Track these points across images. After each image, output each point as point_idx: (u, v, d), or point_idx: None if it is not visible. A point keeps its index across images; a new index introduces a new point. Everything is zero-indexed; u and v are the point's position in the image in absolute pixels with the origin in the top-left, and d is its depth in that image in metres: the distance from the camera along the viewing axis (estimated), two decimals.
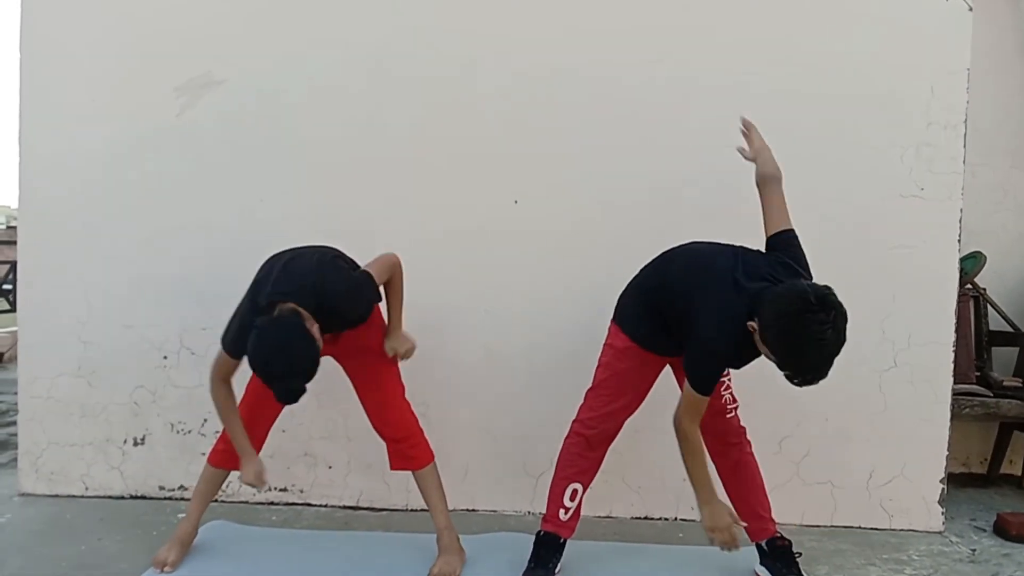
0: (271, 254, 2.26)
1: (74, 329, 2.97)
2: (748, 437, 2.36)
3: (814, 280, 2.06)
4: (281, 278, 2.08)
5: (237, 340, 2.09)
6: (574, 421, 2.35)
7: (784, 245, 2.15)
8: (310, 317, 2.02)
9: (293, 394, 1.98)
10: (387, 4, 2.92)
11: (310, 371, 1.97)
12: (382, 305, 2.35)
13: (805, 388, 2.84)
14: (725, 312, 1.99)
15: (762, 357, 2.00)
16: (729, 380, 2.32)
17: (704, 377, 2.06)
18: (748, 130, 2.34)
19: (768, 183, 2.26)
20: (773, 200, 2.24)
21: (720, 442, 2.33)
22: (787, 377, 1.95)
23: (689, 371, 2.08)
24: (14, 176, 2.97)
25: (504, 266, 2.91)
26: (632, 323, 2.27)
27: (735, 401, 2.33)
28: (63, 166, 2.95)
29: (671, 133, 2.88)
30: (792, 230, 2.18)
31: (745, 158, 2.32)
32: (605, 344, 2.34)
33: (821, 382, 1.93)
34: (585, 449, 2.31)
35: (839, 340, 1.85)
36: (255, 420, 2.33)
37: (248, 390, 2.34)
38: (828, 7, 2.86)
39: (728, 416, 2.31)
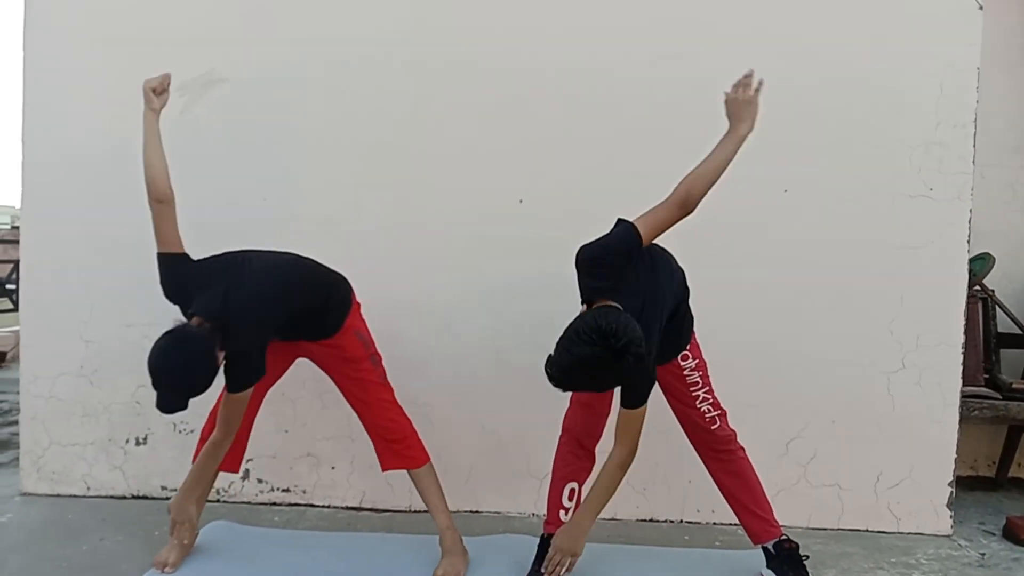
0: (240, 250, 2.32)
1: (76, 328, 2.96)
2: (740, 442, 2.34)
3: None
4: (209, 297, 2.07)
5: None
6: (563, 420, 2.36)
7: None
8: (219, 342, 2.00)
9: (171, 409, 1.96)
10: (391, 1, 2.91)
11: (197, 394, 1.96)
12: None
13: (802, 388, 2.86)
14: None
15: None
16: (706, 392, 2.29)
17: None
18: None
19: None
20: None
21: (709, 450, 2.33)
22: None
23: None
24: (17, 176, 2.97)
25: (508, 266, 2.89)
26: None
27: (718, 409, 2.30)
28: (66, 166, 2.94)
29: (680, 130, 2.85)
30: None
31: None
32: None
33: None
34: (577, 447, 2.33)
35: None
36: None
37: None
38: (835, 5, 2.84)
39: (713, 428, 2.29)
